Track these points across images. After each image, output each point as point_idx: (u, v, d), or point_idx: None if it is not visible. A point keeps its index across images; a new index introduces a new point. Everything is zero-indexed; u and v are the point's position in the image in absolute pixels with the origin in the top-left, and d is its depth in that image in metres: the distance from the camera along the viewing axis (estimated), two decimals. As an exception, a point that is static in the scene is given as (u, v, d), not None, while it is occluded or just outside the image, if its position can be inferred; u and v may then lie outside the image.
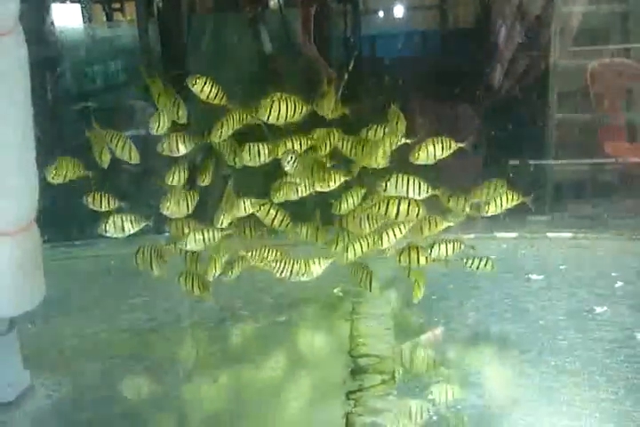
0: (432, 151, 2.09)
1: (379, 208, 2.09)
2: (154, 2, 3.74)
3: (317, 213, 2.29)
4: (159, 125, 2.17)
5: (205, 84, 2.11)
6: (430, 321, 2.26)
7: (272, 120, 2.11)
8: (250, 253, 2.12)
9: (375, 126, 2.21)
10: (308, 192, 2.21)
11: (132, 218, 2.20)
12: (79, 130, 2.26)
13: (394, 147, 2.17)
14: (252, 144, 2.20)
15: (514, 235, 3.02)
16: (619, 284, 2.48)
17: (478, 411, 1.73)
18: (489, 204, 2.16)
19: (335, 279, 2.49)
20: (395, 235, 2.17)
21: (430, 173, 2.15)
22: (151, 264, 2.14)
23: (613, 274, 2.56)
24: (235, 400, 1.89)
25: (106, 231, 2.19)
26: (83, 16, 3.63)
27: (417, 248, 2.12)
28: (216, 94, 2.13)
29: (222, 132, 2.16)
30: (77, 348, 2.21)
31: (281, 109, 2.08)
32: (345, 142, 2.23)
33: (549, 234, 3.08)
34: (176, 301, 2.46)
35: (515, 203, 2.18)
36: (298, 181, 2.18)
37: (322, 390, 1.93)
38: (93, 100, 3.74)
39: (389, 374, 1.92)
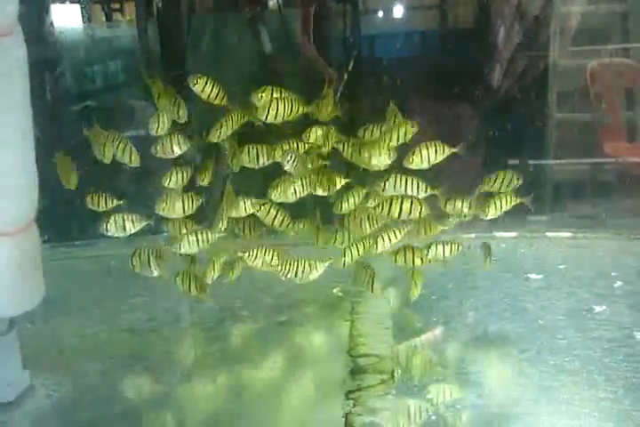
0: (426, 156, 2.10)
1: (382, 207, 2.09)
2: (153, 2, 3.74)
3: (317, 213, 2.29)
4: (159, 126, 2.17)
5: (206, 83, 2.12)
6: (429, 321, 2.27)
7: (270, 119, 2.12)
8: (247, 254, 2.12)
9: (372, 126, 2.21)
10: (306, 192, 2.21)
11: (133, 218, 2.20)
12: (79, 130, 2.26)
13: (393, 144, 2.17)
14: (250, 146, 2.21)
15: (513, 234, 3.02)
16: (618, 283, 2.48)
17: (477, 411, 1.74)
18: (488, 207, 2.16)
19: (334, 279, 2.50)
20: (390, 238, 2.17)
21: (429, 173, 2.15)
22: (149, 265, 2.14)
23: (612, 274, 2.57)
24: (234, 400, 1.90)
25: (107, 231, 2.20)
26: (82, 16, 3.63)
27: (412, 249, 2.12)
28: (217, 94, 2.14)
29: (221, 133, 2.16)
30: (77, 348, 2.21)
31: (279, 109, 2.09)
32: (345, 145, 2.23)
33: (549, 234, 3.08)
34: (176, 301, 2.47)
35: (513, 204, 2.18)
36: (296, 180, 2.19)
37: (321, 389, 1.94)
38: (93, 100, 3.74)
39: (388, 373, 1.92)
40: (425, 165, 2.12)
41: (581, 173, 3.99)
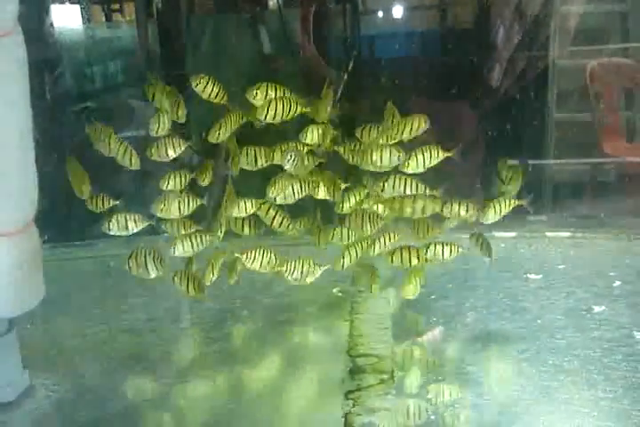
0: (422, 160, 2.10)
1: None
2: (153, 3, 3.75)
3: (318, 213, 2.29)
4: (159, 127, 2.17)
5: (208, 83, 2.13)
6: (429, 321, 2.27)
7: (269, 119, 2.12)
8: (245, 256, 2.12)
9: (369, 126, 2.21)
10: (305, 193, 2.21)
11: (136, 217, 2.20)
12: (78, 130, 2.26)
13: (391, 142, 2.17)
14: (249, 148, 2.21)
15: (513, 234, 3.02)
16: (617, 283, 2.49)
17: (477, 410, 1.74)
18: (487, 211, 2.16)
19: (334, 279, 2.50)
20: (386, 241, 2.18)
21: (428, 173, 2.15)
22: (146, 267, 2.14)
23: (612, 273, 2.57)
24: (234, 400, 1.89)
25: (109, 229, 2.20)
26: (82, 17, 3.63)
27: (408, 249, 2.12)
28: (217, 93, 2.15)
29: (220, 134, 2.17)
30: (77, 348, 2.21)
31: (277, 109, 2.10)
32: (346, 148, 2.23)
33: (548, 233, 3.08)
34: (175, 301, 2.47)
35: (513, 207, 2.18)
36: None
37: (321, 389, 1.94)
38: (93, 100, 3.75)
39: (388, 373, 1.92)
40: (420, 170, 2.12)
41: (581, 173, 4.00)
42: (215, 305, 2.41)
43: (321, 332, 2.27)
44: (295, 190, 2.20)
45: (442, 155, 2.12)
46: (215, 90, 2.14)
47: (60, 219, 2.94)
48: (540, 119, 3.88)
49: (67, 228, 3.12)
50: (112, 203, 2.21)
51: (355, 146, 2.23)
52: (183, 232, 2.22)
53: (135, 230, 2.22)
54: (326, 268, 2.20)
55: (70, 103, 3.59)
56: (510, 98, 3.72)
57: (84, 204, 2.22)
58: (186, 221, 2.25)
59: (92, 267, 3.06)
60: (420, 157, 2.10)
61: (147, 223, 2.22)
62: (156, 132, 2.17)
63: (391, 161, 2.12)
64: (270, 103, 2.10)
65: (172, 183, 2.18)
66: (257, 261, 2.12)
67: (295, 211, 2.30)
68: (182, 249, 2.16)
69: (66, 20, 3.59)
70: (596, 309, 2.28)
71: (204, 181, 2.24)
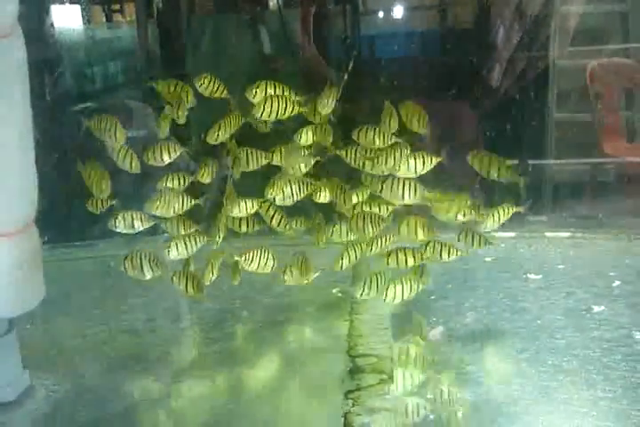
0: (413, 166, 2.11)
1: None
2: (153, 3, 3.75)
3: (320, 215, 2.30)
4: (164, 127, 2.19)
5: (210, 82, 2.15)
6: (429, 321, 2.27)
7: (265, 117, 2.13)
8: (243, 258, 2.13)
9: (365, 127, 2.20)
10: (304, 194, 2.22)
11: (142, 216, 2.21)
12: (78, 131, 2.26)
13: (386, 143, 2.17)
14: (248, 150, 2.22)
15: (512, 234, 3.02)
16: (616, 283, 2.49)
17: (476, 410, 1.74)
18: (486, 219, 2.16)
19: (334, 280, 2.50)
20: (384, 242, 2.18)
21: (428, 174, 2.15)
22: (142, 269, 2.14)
23: (611, 273, 2.57)
24: (234, 400, 1.90)
25: (115, 227, 2.21)
26: (82, 17, 3.63)
27: (404, 250, 2.12)
28: (218, 89, 2.17)
29: (219, 135, 2.17)
30: (77, 348, 2.21)
31: (273, 106, 2.11)
32: (348, 152, 2.23)
33: (548, 234, 3.08)
34: (175, 301, 2.47)
35: (511, 213, 2.18)
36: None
37: (320, 389, 1.94)
38: (92, 101, 3.75)
39: (387, 373, 1.92)
40: (412, 175, 2.13)
41: (581, 173, 4.00)
42: (215, 305, 2.42)
43: (320, 332, 2.27)
44: (294, 192, 2.20)
45: (434, 161, 2.12)
46: (217, 87, 2.15)
47: (60, 219, 2.94)
48: (540, 119, 3.88)
49: (67, 228, 3.12)
50: (109, 203, 2.22)
51: (356, 150, 2.22)
52: (183, 232, 2.23)
53: (141, 229, 2.22)
54: (318, 274, 2.23)
55: (70, 103, 3.60)
56: (510, 98, 3.72)
57: (84, 204, 2.22)
58: (185, 222, 2.25)
59: (92, 267, 3.06)
60: (411, 162, 2.11)
61: (152, 223, 2.23)
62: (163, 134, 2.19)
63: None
64: (266, 101, 2.11)
65: (170, 184, 2.19)
66: (255, 263, 2.13)
67: (296, 212, 2.31)
68: (177, 252, 2.17)
69: (66, 20, 3.59)
70: (596, 309, 2.28)
71: (204, 178, 2.24)
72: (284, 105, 2.12)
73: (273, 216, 2.25)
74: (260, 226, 2.29)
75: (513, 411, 1.72)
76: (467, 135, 3.72)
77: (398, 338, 2.15)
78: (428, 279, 2.18)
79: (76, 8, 3.60)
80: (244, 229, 2.28)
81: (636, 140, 4.13)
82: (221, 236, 2.23)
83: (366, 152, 2.17)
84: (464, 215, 2.14)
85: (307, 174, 2.24)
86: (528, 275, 2.61)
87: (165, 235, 2.33)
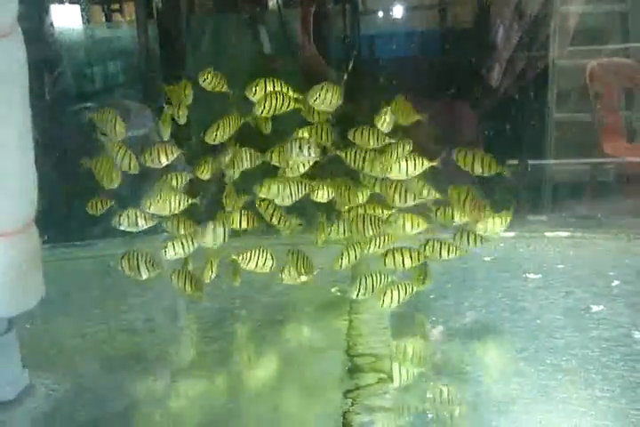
0: (404, 168, 2.11)
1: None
2: (153, 3, 3.75)
3: (322, 215, 2.30)
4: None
5: (213, 77, 2.19)
6: (428, 320, 2.27)
7: (265, 114, 2.14)
8: (241, 257, 2.13)
9: (361, 128, 2.20)
10: (302, 194, 2.22)
11: (146, 215, 2.22)
12: (78, 131, 2.26)
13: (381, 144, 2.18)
14: (246, 151, 2.23)
15: (512, 234, 3.03)
16: (615, 283, 2.49)
17: (475, 409, 1.74)
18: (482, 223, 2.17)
19: (333, 279, 2.50)
20: (384, 242, 2.19)
21: (426, 172, 2.16)
22: (138, 269, 2.15)
23: (610, 273, 2.57)
24: (233, 399, 1.90)
25: (119, 224, 2.22)
26: (82, 17, 3.63)
27: (401, 250, 2.13)
28: (219, 83, 2.21)
29: (217, 135, 2.18)
30: (77, 347, 2.21)
31: (272, 103, 2.12)
32: (349, 153, 2.24)
33: (547, 233, 3.08)
34: (175, 301, 2.47)
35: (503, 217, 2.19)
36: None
37: (319, 388, 1.94)
38: (92, 100, 3.75)
39: (387, 372, 1.92)
40: (403, 177, 2.13)
41: (581, 173, 4.00)
42: (214, 305, 2.42)
43: (320, 331, 2.28)
44: (292, 192, 2.21)
45: (426, 164, 2.13)
46: (219, 81, 2.19)
47: (60, 219, 2.95)
48: (540, 119, 3.88)
49: (67, 228, 3.12)
50: (109, 204, 2.23)
51: (356, 152, 2.22)
52: (182, 232, 2.23)
53: (144, 227, 2.23)
54: (316, 273, 2.23)
55: (70, 103, 3.60)
56: (510, 98, 3.72)
57: (84, 205, 2.23)
58: (186, 221, 2.25)
59: (91, 267, 3.06)
60: (402, 164, 2.11)
61: (155, 221, 2.24)
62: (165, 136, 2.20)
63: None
64: (267, 98, 2.12)
65: (168, 183, 2.20)
66: (253, 262, 2.14)
67: (297, 212, 2.31)
68: (174, 252, 2.17)
69: (66, 20, 3.59)
70: (595, 308, 2.28)
71: (203, 175, 2.24)
72: (283, 101, 2.13)
73: (272, 214, 2.26)
74: (259, 222, 2.30)
75: (512, 410, 1.72)
76: (466, 135, 3.72)
77: (398, 337, 2.16)
78: (429, 281, 2.19)
79: (76, 8, 3.60)
80: (243, 225, 2.28)
81: (635, 140, 4.13)
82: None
83: (366, 152, 2.18)
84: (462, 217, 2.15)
85: (305, 175, 2.24)
86: (527, 274, 2.61)
87: (165, 234, 2.33)
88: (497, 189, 2.41)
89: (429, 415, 1.72)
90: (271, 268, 2.18)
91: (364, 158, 2.17)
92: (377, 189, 2.24)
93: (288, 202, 2.23)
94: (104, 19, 3.99)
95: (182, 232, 2.24)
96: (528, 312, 2.29)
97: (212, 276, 2.22)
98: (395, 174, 2.13)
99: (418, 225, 2.22)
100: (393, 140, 2.15)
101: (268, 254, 2.15)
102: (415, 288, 2.12)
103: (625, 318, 2.20)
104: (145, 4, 3.76)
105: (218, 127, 2.18)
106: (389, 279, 2.10)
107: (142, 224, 2.23)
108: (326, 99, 2.14)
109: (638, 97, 4.21)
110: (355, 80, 3.48)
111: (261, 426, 1.78)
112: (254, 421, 1.79)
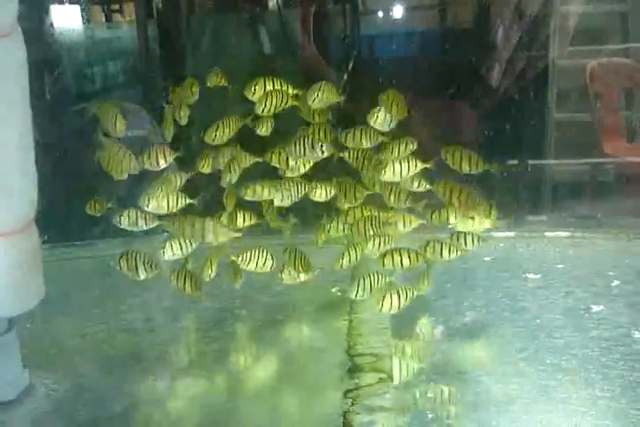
0: (398, 170, 2.12)
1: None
2: (153, 3, 3.75)
3: (324, 216, 2.31)
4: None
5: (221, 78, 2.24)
6: (428, 320, 2.27)
7: (266, 112, 2.15)
8: (240, 258, 2.13)
9: (353, 130, 2.20)
10: (301, 195, 2.23)
11: (147, 215, 2.22)
12: (78, 131, 2.27)
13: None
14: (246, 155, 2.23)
15: (511, 234, 3.03)
16: (615, 283, 2.49)
17: (475, 409, 1.74)
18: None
19: (333, 279, 2.50)
20: (384, 242, 2.19)
21: (427, 173, 2.16)
22: (136, 269, 2.15)
23: (610, 273, 2.57)
24: (233, 399, 1.90)
25: (120, 223, 2.23)
26: (82, 17, 3.63)
27: (399, 251, 2.13)
28: (220, 79, 2.24)
29: (217, 135, 2.18)
30: (77, 347, 2.22)
31: (273, 101, 2.12)
32: (352, 154, 2.24)
33: (547, 233, 3.09)
34: (174, 300, 2.47)
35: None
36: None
37: (319, 388, 1.94)
38: (92, 100, 3.74)
39: (387, 372, 1.92)
40: (397, 179, 2.14)
41: (581, 173, 4.00)
42: (214, 304, 2.42)
43: (320, 331, 2.28)
44: (292, 193, 2.21)
45: (420, 166, 2.13)
46: (220, 78, 2.22)
47: (60, 219, 2.95)
48: (540, 119, 3.88)
49: (67, 227, 3.13)
50: (107, 206, 2.23)
51: (357, 152, 2.23)
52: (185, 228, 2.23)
53: (145, 228, 2.24)
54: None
55: (70, 103, 3.60)
56: (510, 98, 3.72)
57: (84, 205, 2.23)
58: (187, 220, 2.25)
59: (91, 267, 3.06)
60: (397, 166, 2.11)
61: (157, 222, 2.24)
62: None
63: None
64: (267, 96, 2.12)
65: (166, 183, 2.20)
66: (253, 263, 2.14)
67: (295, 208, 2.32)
68: (172, 252, 2.18)
69: (66, 20, 3.59)
70: (595, 308, 2.28)
71: (205, 169, 2.24)
72: (283, 99, 2.14)
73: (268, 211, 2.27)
74: (259, 219, 2.30)
75: (512, 410, 1.72)
76: (466, 135, 3.72)
77: (398, 337, 2.16)
78: (429, 285, 2.19)
79: (76, 8, 3.60)
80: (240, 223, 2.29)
81: (635, 140, 4.13)
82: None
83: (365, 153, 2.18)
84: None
85: (304, 175, 2.25)
86: (527, 274, 2.61)
87: (165, 234, 2.33)
88: (497, 190, 2.41)
89: (429, 415, 1.72)
90: (271, 268, 2.18)
91: (364, 158, 2.18)
92: (377, 189, 2.24)
93: (287, 202, 2.23)
94: (104, 19, 3.99)
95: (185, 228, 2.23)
96: (528, 312, 2.29)
97: (212, 275, 2.22)
98: (388, 177, 2.13)
99: (410, 223, 2.22)
100: (386, 139, 2.15)
101: (268, 254, 2.15)
102: (415, 293, 2.12)
103: (625, 318, 2.20)
104: (145, 4, 3.76)
105: (218, 127, 2.18)
106: (388, 280, 2.10)
107: (142, 225, 2.23)
108: (324, 98, 2.14)
109: (638, 97, 4.21)
110: (355, 80, 3.48)
111: (261, 426, 1.78)
112: (254, 421, 1.79)
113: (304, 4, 3.73)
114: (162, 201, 2.18)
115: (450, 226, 2.20)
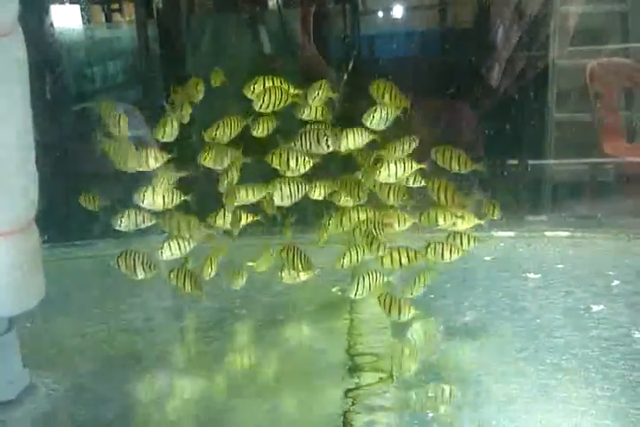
0: (394, 171, 2.12)
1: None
2: (153, 3, 3.75)
3: (326, 215, 2.31)
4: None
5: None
6: (428, 320, 2.27)
7: (264, 109, 2.15)
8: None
9: (347, 131, 2.20)
10: (302, 193, 2.23)
11: (145, 215, 2.22)
12: (78, 131, 2.27)
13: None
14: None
15: (511, 234, 3.03)
16: (615, 282, 2.49)
17: (475, 408, 1.74)
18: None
19: (334, 279, 2.51)
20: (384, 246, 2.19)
21: (426, 173, 2.16)
22: (134, 269, 2.15)
23: (610, 273, 2.57)
24: (233, 398, 1.90)
25: (120, 225, 2.23)
26: (82, 17, 3.63)
27: (399, 250, 2.13)
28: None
29: (217, 135, 2.18)
30: (77, 347, 2.22)
31: (272, 98, 2.12)
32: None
33: (547, 233, 3.09)
34: (174, 300, 2.47)
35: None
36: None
37: (320, 388, 1.94)
38: (92, 100, 3.75)
39: (387, 372, 1.93)
40: (392, 180, 2.14)
41: (581, 173, 4.00)
42: (214, 304, 2.42)
43: (320, 331, 2.28)
44: (292, 192, 2.21)
45: (415, 166, 2.14)
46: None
47: (60, 219, 2.95)
48: (540, 119, 3.88)
49: (67, 227, 3.13)
50: (98, 200, 2.24)
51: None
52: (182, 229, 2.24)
53: (143, 227, 2.24)
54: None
55: (70, 103, 3.60)
56: (510, 98, 3.72)
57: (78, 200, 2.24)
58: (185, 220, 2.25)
59: (91, 266, 3.06)
60: (392, 167, 2.12)
61: (154, 221, 2.24)
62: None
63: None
64: (265, 93, 2.13)
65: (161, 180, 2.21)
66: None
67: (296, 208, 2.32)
68: (170, 252, 2.18)
69: (66, 20, 3.59)
70: (595, 308, 2.28)
71: (207, 161, 2.24)
72: (282, 96, 2.14)
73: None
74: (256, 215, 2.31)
75: (512, 409, 1.73)
76: (466, 135, 3.72)
77: (398, 337, 2.16)
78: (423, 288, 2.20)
79: (76, 8, 3.60)
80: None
81: (635, 140, 4.13)
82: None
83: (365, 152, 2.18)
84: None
85: (304, 175, 2.25)
86: (527, 274, 2.61)
87: (165, 235, 2.33)
88: (497, 190, 2.41)
89: (429, 415, 1.72)
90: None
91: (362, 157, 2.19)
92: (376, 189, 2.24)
93: (287, 202, 2.23)
94: (104, 19, 3.99)
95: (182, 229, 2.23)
96: (528, 312, 2.29)
97: (212, 274, 2.22)
98: (384, 177, 2.14)
99: (405, 222, 2.22)
100: (375, 137, 2.16)
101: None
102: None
103: (625, 318, 2.20)
104: (145, 4, 3.76)
105: (218, 127, 2.18)
106: (386, 280, 2.11)
107: (140, 224, 2.23)
108: (324, 96, 2.15)
109: (638, 97, 4.21)
110: (355, 80, 3.48)
111: (262, 425, 1.78)
112: (254, 420, 1.79)
113: (304, 3, 3.73)
114: (157, 197, 2.18)
115: (438, 226, 2.19)
